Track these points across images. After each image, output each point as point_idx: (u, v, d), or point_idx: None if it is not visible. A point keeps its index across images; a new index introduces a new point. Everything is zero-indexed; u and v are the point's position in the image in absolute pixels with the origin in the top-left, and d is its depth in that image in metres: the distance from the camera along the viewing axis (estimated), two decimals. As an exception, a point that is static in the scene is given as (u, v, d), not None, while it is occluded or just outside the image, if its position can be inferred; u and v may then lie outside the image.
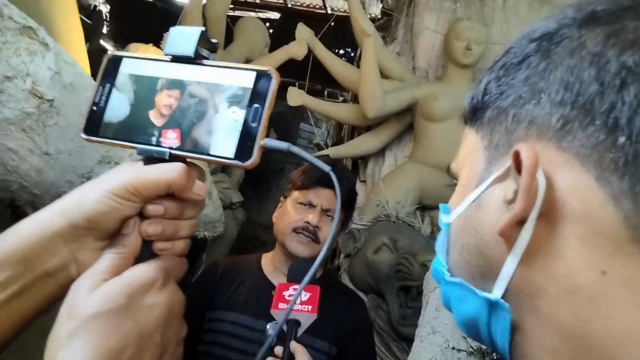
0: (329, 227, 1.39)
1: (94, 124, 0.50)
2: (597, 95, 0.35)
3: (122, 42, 4.52)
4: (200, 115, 0.48)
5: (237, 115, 0.47)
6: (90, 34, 1.87)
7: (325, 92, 4.40)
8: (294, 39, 3.04)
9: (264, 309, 1.19)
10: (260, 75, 0.48)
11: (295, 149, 0.50)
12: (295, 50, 3.00)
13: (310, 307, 1.02)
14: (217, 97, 0.48)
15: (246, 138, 0.46)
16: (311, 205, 1.41)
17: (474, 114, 0.47)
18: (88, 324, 0.41)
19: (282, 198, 1.52)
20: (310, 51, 3.02)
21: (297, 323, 1.03)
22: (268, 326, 1.20)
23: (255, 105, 0.47)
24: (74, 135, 1.02)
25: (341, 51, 4.23)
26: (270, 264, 1.41)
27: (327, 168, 0.51)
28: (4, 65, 0.87)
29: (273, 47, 3.24)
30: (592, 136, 0.35)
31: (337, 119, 3.18)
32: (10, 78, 0.88)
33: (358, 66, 2.93)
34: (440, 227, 0.51)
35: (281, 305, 1.04)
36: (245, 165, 0.46)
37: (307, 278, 0.49)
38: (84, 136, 0.51)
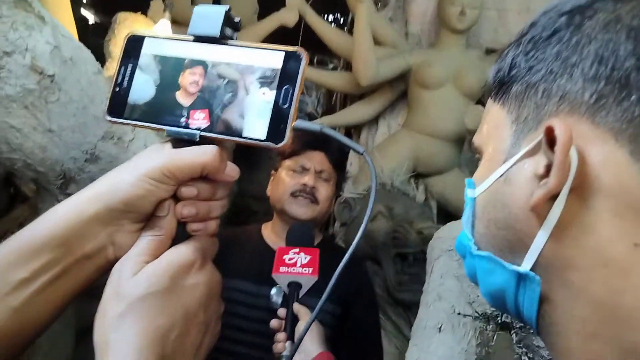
0: (324, 187, 1.43)
1: (118, 105, 0.50)
2: (634, 70, 0.35)
3: (104, 11, 4.37)
4: (227, 96, 0.48)
5: (268, 96, 0.47)
6: (70, 2, 1.80)
7: (315, 60, 4.34)
8: (283, 5, 2.97)
9: (266, 275, 1.22)
10: (289, 56, 0.47)
11: (328, 130, 0.50)
12: (286, 17, 2.93)
13: (310, 269, 1.06)
14: (245, 78, 0.48)
15: (278, 119, 0.46)
16: (304, 169, 1.44)
17: (499, 88, 0.47)
18: (135, 306, 0.42)
19: (272, 172, 1.54)
20: (301, 18, 2.96)
21: (299, 285, 1.07)
22: (272, 291, 1.22)
23: (286, 86, 0.46)
24: (76, 111, 0.99)
25: (331, 17, 4.15)
26: (272, 233, 1.45)
27: (360, 149, 0.51)
28: (2, 41, 0.84)
29: (262, 14, 3.17)
30: (628, 111, 0.35)
31: (330, 87, 3.15)
32: (9, 53, 0.85)
33: (350, 33, 2.88)
34: (465, 201, 0.51)
35: (282, 269, 1.07)
36: (278, 147, 0.46)
37: (347, 256, 0.51)
38: (109, 118, 0.50)
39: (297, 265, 1.06)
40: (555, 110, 0.39)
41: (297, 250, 1.09)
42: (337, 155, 1.48)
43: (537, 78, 0.41)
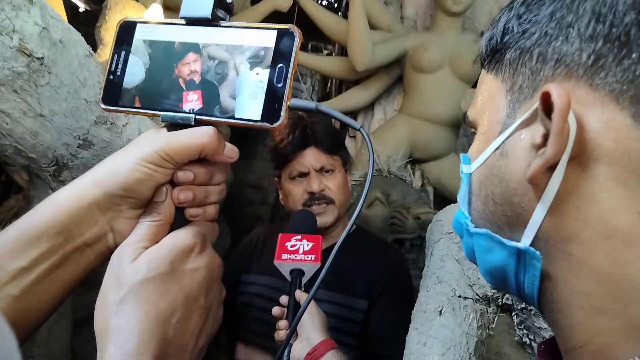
0: (332, 181, 1.38)
1: (113, 93, 0.50)
2: (634, 25, 0.33)
3: (94, -3, 4.29)
4: (222, 78, 0.47)
5: (261, 76, 0.46)
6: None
7: (309, 46, 4.30)
8: (277, -10, 2.92)
9: None
10: (282, 34, 0.46)
11: (323, 108, 0.51)
12: (280, 1, 2.89)
13: (313, 256, 1.05)
14: (238, 58, 0.47)
15: (272, 99, 0.45)
16: (304, 174, 1.38)
17: (492, 57, 0.45)
18: (136, 291, 0.42)
19: (274, 179, 1.50)
20: (295, 3, 2.92)
21: (301, 272, 1.06)
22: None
23: (280, 65, 0.46)
24: (67, 95, 0.96)
25: (325, 2, 4.10)
26: None
27: (357, 125, 0.51)
28: (-12, 21, 0.81)
29: (255, 0, 3.12)
30: (629, 70, 0.33)
31: (326, 72, 3.12)
32: (-4, 35, 0.82)
33: (345, 17, 2.85)
34: (461, 178, 0.50)
35: (284, 256, 1.06)
36: (274, 127, 0.45)
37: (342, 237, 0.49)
38: (103, 106, 0.50)
39: (299, 252, 1.05)
40: (551, 75, 0.37)
41: (299, 237, 1.08)
42: (329, 141, 1.41)
43: (532, 42, 0.39)
